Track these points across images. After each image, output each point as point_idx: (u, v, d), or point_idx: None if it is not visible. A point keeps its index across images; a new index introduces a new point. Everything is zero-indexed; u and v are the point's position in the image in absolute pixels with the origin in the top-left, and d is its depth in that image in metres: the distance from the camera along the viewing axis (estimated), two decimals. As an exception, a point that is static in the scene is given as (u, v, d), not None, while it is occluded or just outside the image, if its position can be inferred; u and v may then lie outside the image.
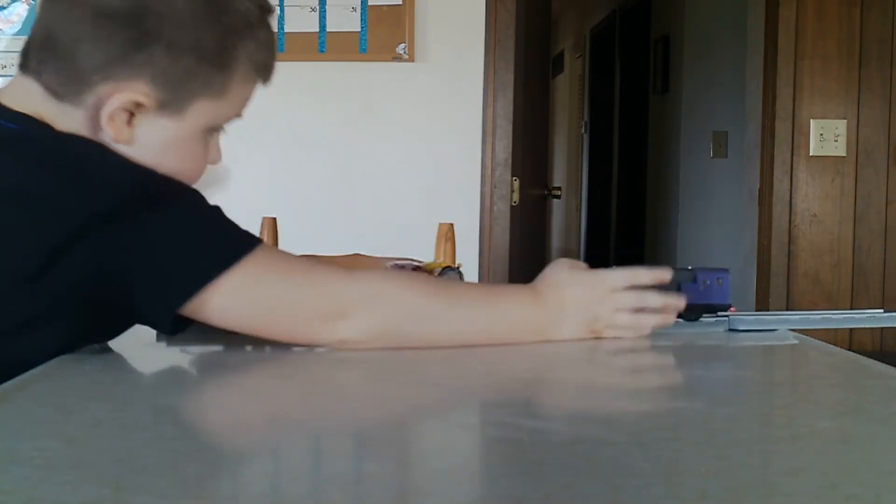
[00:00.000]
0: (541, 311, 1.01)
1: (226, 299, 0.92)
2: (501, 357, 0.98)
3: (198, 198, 0.96)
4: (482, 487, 0.54)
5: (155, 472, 0.57)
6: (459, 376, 0.90)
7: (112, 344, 1.00)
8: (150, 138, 0.97)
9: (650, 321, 1.03)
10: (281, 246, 2.01)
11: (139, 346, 1.02)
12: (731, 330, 1.08)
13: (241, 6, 0.99)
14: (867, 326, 1.12)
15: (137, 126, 0.96)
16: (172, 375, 0.89)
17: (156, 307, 0.92)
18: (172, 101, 0.97)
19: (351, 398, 0.82)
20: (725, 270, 1.08)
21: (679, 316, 1.05)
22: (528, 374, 0.91)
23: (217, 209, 0.97)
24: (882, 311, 1.12)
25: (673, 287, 1.05)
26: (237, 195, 2.97)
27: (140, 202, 0.90)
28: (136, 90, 0.95)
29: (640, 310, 1.02)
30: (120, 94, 0.94)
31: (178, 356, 0.99)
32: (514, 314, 1.02)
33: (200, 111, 0.99)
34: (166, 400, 0.78)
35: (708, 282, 1.06)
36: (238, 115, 1.04)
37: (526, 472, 0.56)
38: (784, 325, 1.10)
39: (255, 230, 1.99)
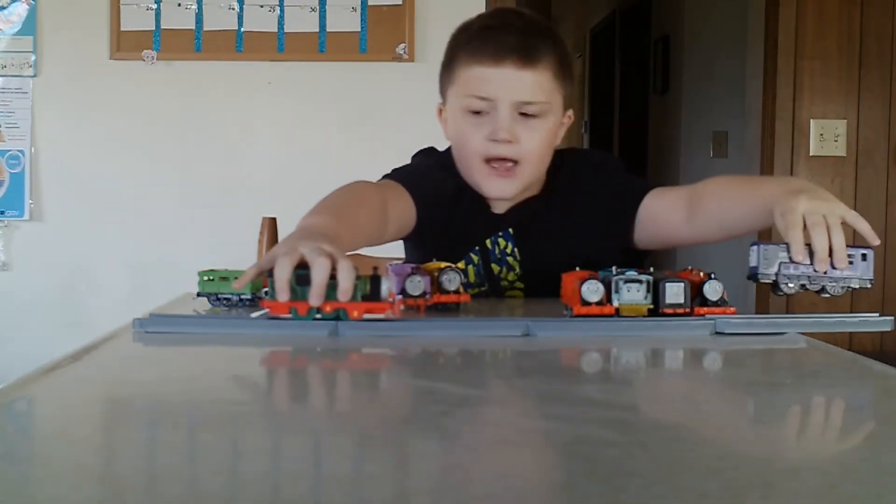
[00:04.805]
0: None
1: None
2: (501, 357, 0.98)
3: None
4: (482, 487, 0.54)
5: (155, 472, 0.57)
6: (460, 376, 0.90)
7: (111, 344, 1.01)
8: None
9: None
10: (281, 246, 2.00)
11: (139, 346, 1.02)
12: (717, 333, 1.06)
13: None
14: (859, 331, 1.11)
15: None
16: (173, 375, 0.89)
17: None
18: None
19: (351, 398, 0.82)
20: (870, 247, 1.15)
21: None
22: (528, 374, 0.91)
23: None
24: (877, 314, 1.12)
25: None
26: (237, 195, 2.93)
27: None
28: None
29: None
30: None
31: (179, 356, 1.00)
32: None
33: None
34: (167, 400, 0.78)
35: (852, 256, 1.13)
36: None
37: (526, 473, 0.56)
38: (774, 328, 1.09)
39: (255, 230, 1.99)
